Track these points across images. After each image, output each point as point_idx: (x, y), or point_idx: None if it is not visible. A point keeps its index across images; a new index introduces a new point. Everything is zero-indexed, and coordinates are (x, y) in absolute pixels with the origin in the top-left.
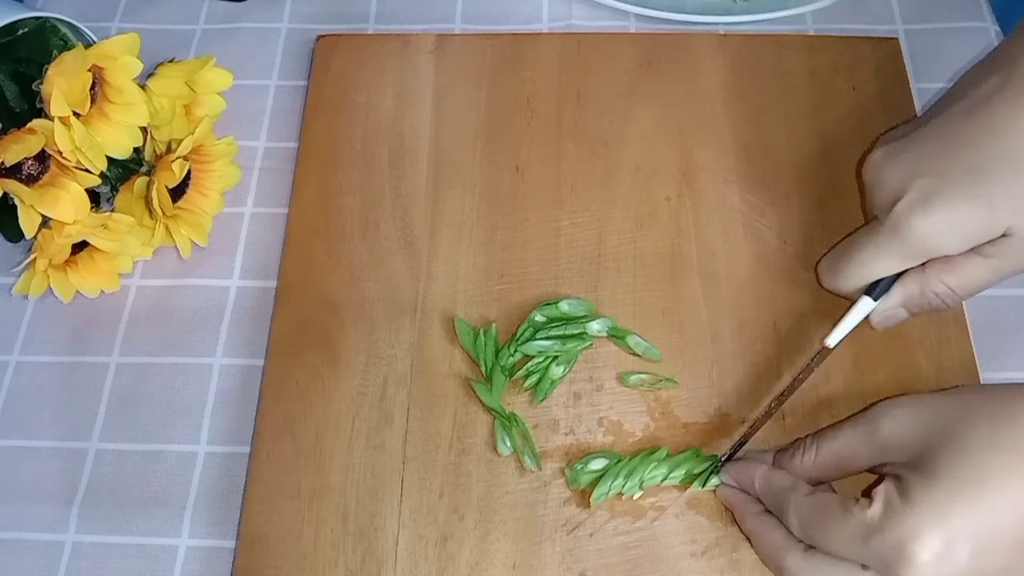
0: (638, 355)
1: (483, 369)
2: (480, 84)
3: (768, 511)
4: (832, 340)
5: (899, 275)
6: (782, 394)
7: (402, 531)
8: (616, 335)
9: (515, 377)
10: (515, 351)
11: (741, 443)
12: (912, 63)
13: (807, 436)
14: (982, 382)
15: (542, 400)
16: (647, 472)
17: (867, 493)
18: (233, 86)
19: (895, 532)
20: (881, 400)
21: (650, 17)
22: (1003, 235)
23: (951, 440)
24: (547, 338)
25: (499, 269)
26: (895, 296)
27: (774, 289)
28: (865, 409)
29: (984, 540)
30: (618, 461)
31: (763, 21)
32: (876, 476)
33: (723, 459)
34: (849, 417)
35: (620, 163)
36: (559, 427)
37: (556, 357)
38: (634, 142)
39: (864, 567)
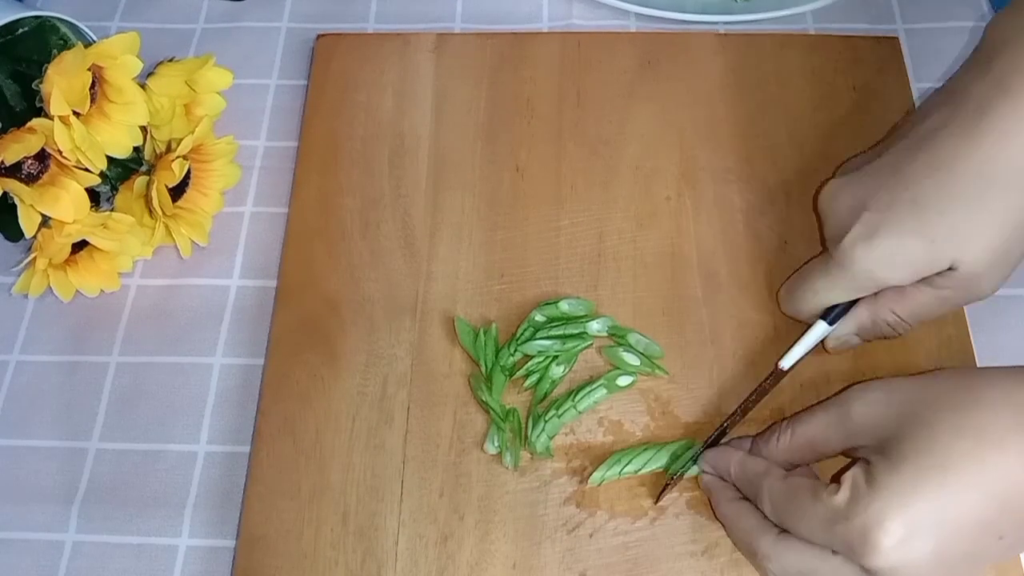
0: (640, 352)
1: (483, 369)
2: (480, 84)
3: (743, 498)
4: (786, 362)
5: (854, 301)
6: (734, 414)
7: (402, 531)
8: (616, 334)
9: (515, 377)
10: (515, 351)
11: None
12: (912, 63)
13: (783, 420)
14: None
15: (542, 400)
16: (640, 457)
17: (838, 477)
18: (233, 85)
19: (859, 519)
20: (854, 384)
21: (650, 16)
22: (950, 268)
23: (917, 425)
24: (547, 338)
25: (499, 269)
26: (848, 323)
27: (774, 289)
28: (839, 393)
29: (948, 526)
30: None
31: (763, 20)
32: (850, 460)
33: (672, 478)
34: (823, 401)
35: (620, 163)
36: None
37: (556, 357)
38: (634, 142)
39: (834, 552)
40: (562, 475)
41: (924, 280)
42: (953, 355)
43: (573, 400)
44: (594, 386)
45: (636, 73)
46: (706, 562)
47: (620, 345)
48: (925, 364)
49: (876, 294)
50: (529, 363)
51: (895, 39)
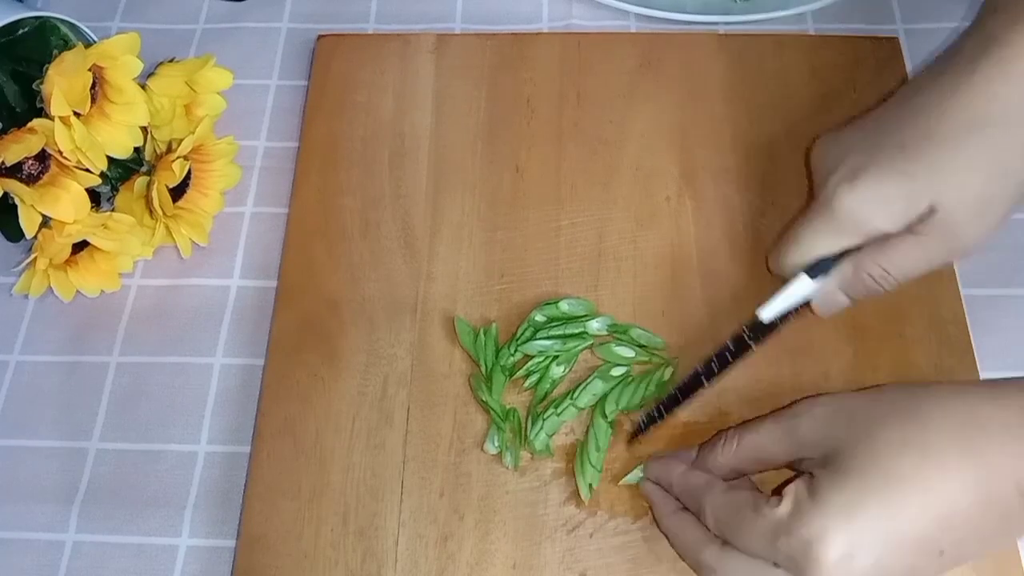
0: (641, 345)
1: (483, 369)
2: (480, 84)
3: (686, 508)
4: (765, 313)
5: (840, 258)
6: (709, 361)
7: (402, 531)
8: (617, 331)
9: (515, 377)
10: (515, 351)
11: (670, 403)
12: (912, 63)
13: (730, 428)
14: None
15: (542, 400)
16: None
17: (780, 490)
18: (233, 86)
19: (802, 532)
20: (805, 397)
21: (650, 17)
22: (931, 212)
23: (862, 439)
24: (547, 338)
25: (499, 269)
26: (832, 278)
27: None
28: (788, 405)
29: (891, 540)
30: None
31: (763, 21)
32: (793, 472)
33: (642, 421)
34: (773, 412)
35: (620, 163)
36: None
37: (556, 357)
38: (634, 142)
39: (776, 565)
40: (562, 475)
41: (907, 229)
42: (953, 355)
43: (572, 397)
44: (590, 380)
45: (636, 73)
46: None
47: (616, 341)
48: (925, 364)
49: (860, 247)
50: (529, 363)
51: (895, 39)
